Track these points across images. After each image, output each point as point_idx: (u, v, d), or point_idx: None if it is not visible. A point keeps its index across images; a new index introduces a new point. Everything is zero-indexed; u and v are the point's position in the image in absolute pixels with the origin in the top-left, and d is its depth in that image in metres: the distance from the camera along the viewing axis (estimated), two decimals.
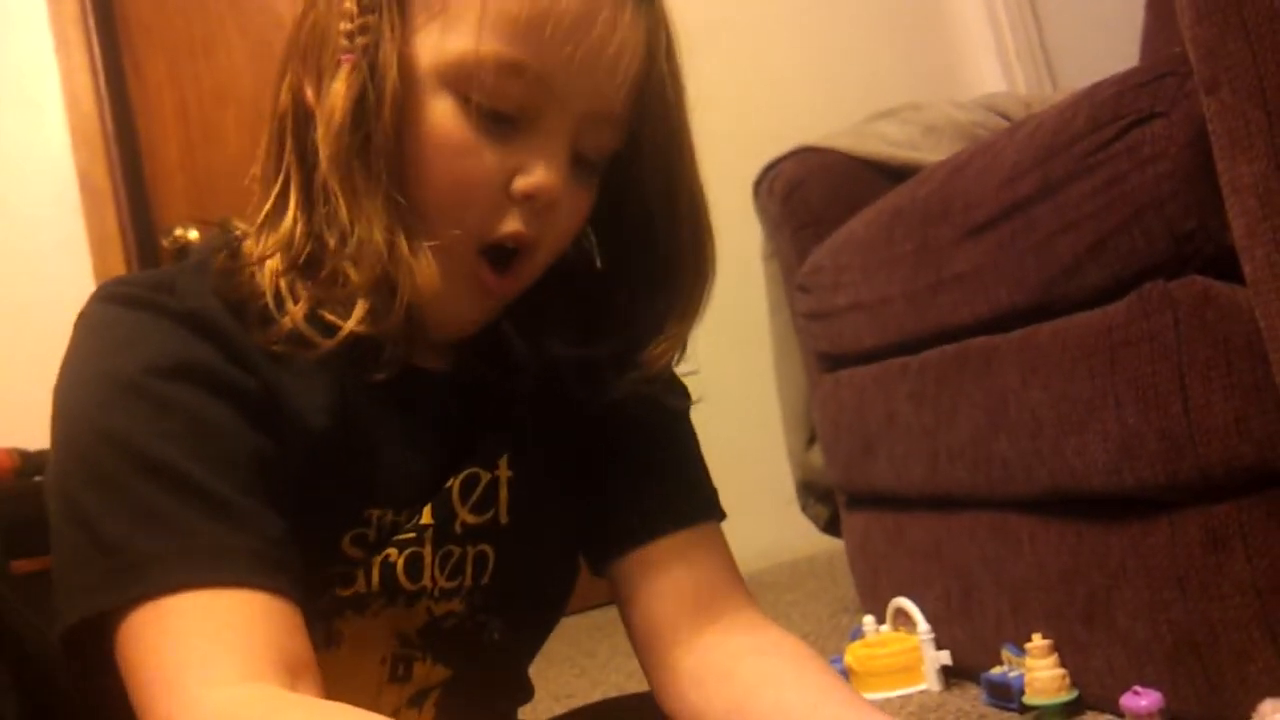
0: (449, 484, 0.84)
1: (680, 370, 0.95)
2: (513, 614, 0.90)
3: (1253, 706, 1.15)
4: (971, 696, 1.53)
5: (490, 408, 0.88)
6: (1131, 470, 1.23)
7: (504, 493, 0.87)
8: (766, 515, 2.94)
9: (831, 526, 2.17)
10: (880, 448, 1.72)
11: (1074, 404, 1.30)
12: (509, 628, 0.90)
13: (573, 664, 2.11)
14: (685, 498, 0.94)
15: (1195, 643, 1.20)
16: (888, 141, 2.10)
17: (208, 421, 0.74)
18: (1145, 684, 1.25)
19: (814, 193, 2.04)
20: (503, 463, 0.87)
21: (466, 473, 0.85)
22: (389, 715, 0.82)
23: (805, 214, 2.04)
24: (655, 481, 0.92)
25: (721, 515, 0.95)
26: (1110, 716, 1.33)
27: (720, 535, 0.95)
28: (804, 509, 2.29)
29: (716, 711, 0.85)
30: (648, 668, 0.92)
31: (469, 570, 0.86)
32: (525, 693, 1.02)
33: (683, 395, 0.98)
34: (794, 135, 2.18)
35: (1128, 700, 1.25)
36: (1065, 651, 1.36)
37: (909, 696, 1.60)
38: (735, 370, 3.11)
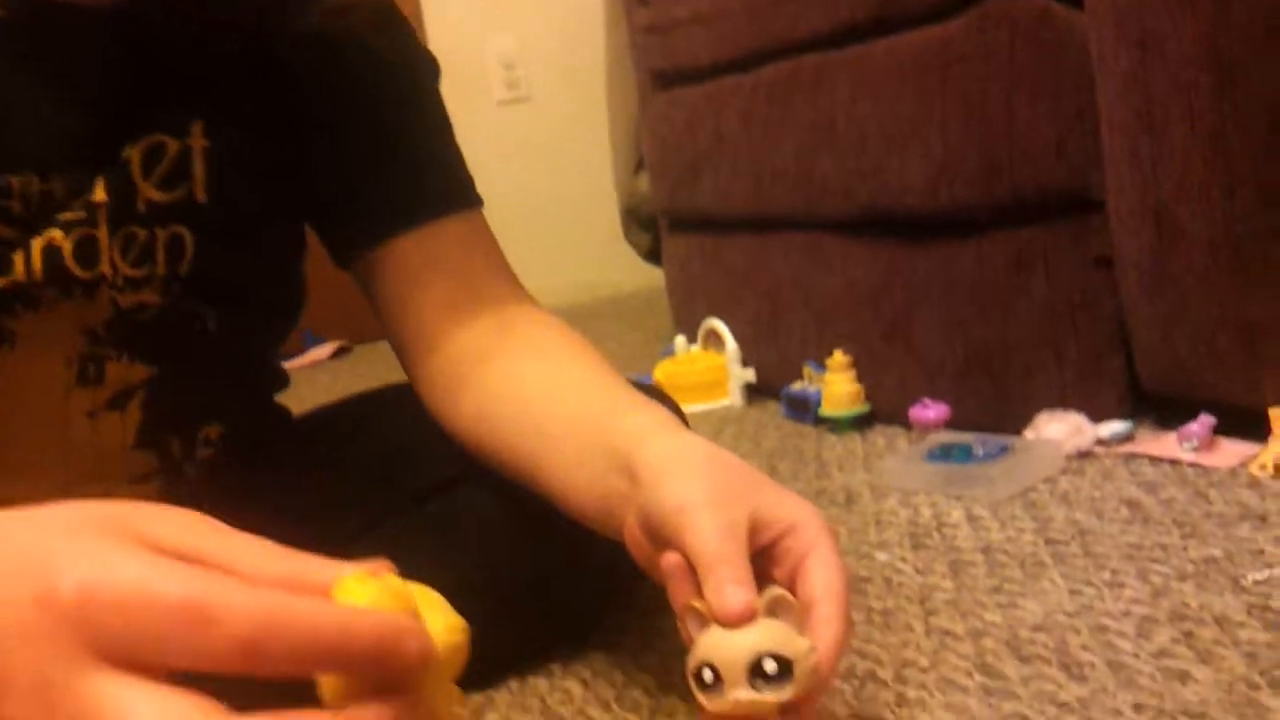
0: (126, 154, 0.73)
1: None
2: (231, 306, 0.81)
3: (1030, 419, 1.22)
4: (772, 411, 1.57)
5: (175, 60, 0.76)
6: (949, 190, 1.24)
7: (199, 166, 0.76)
8: (591, 249, 2.92)
9: (653, 255, 2.17)
10: (706, 169, 1.69)
11: (901, 122, 1.29)
12: (229, 319, 0.81)
13: None
14: (434, 184, 0.85)
15: (987, 359, 1.25)
16: None
17: None
18: (935, 398, 1.30)
19: None
20: (196, 130, 0.76)
21: (149, 140, 0.74)
22: (82, 419, 0.75)
23: None
24: (396, 165, 0.83)
25: (478, 202, 0.88)
26: (898, 428, 1.39)
27: (480, 224, 0.88)
28: (627, 236, 2.28)
29: (465, 418, 0.82)
30: (407, 368, 0.88)
31: (161, 257, 0.76)
32: (278, 381, 0.97)
33: (427, 67, 0.87)
34: None
35: (916, 412, 1.30)
36: (863, 368, 1.40)
37: (712, 410, 1.64)
38: (566, 101, 3.01)
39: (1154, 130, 1.09)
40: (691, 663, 0.58)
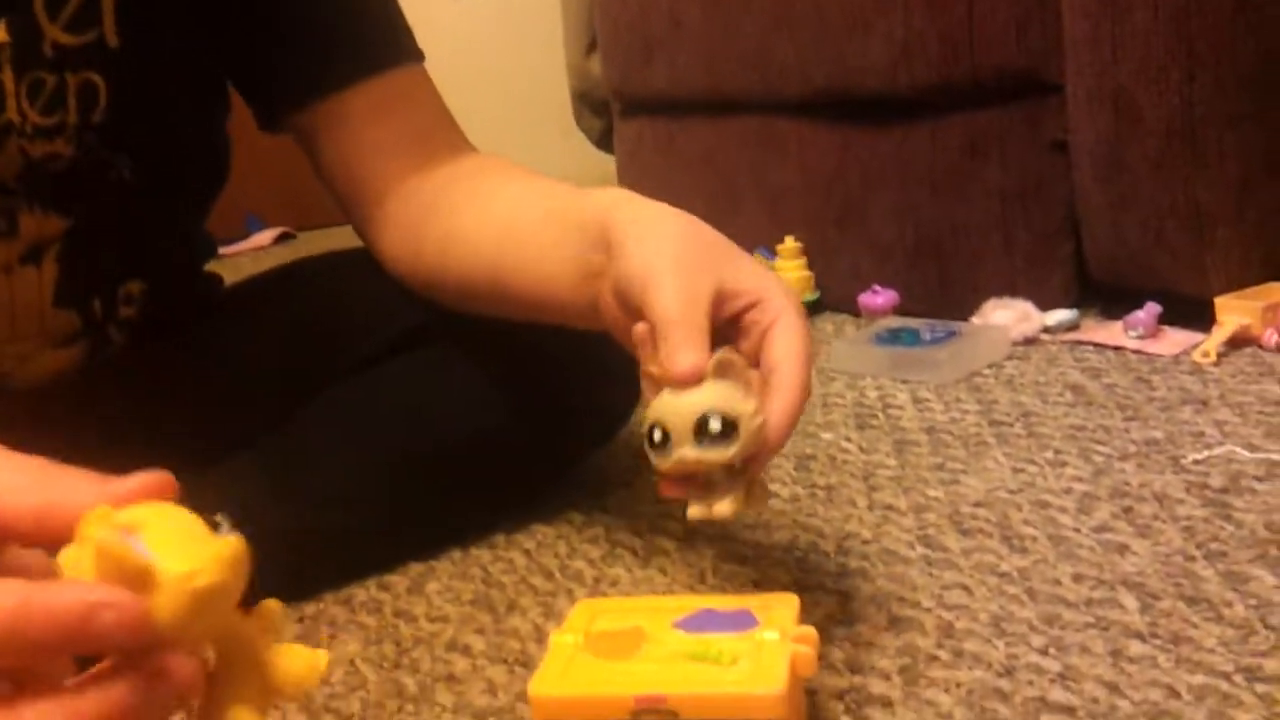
0: None
1: None
2: (147, 158, 0.77)
3: (979, 306, 1.22)
4: None
5: None
6: (908, 72, 1.22)
7: (108, 8, 0.72)
8: (541, 136, 2.86)
9: (604, 141, 2.13)
10: (660, 50, 1.65)
11: (863, 3, 1.26)
12: (145, 172, 0.77)
13: None
14: (378, 36, 0.83)
15: (937, 244, 1.24)
16: None
17: None
18: (884, 284, 1.29)
19: None
20: None
21: None
22: None
23: None
24: (328, 17, 0.80)
25: (420, 56, 0.85)
26: (847, 316, 1.38)
27: (423, 78, 0.85)
28: (578, 122, 2.23)
29: (430, 250, 0.80)
30: (355, 223, 0.86)
31: (72, 104, 0.72)
32: (204, 247, 0.93)
33: None
34: None
35: (865, 298, 1.30)
36: (815, 255, 1.39)
37: None
38: None
39: (1117, 13, 1.07)
40: (645, 424, 0.59)
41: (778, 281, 0.64)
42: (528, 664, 0.69)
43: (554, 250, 0.71)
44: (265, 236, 2.77)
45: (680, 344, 0.58)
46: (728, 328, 0.62)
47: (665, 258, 0.61)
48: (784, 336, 0.61)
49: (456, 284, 0.79)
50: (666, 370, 0.58)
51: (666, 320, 0.59)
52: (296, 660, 0.40)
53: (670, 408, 0.58)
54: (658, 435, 0.58)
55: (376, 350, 0.84)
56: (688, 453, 0.57)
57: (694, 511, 0.59)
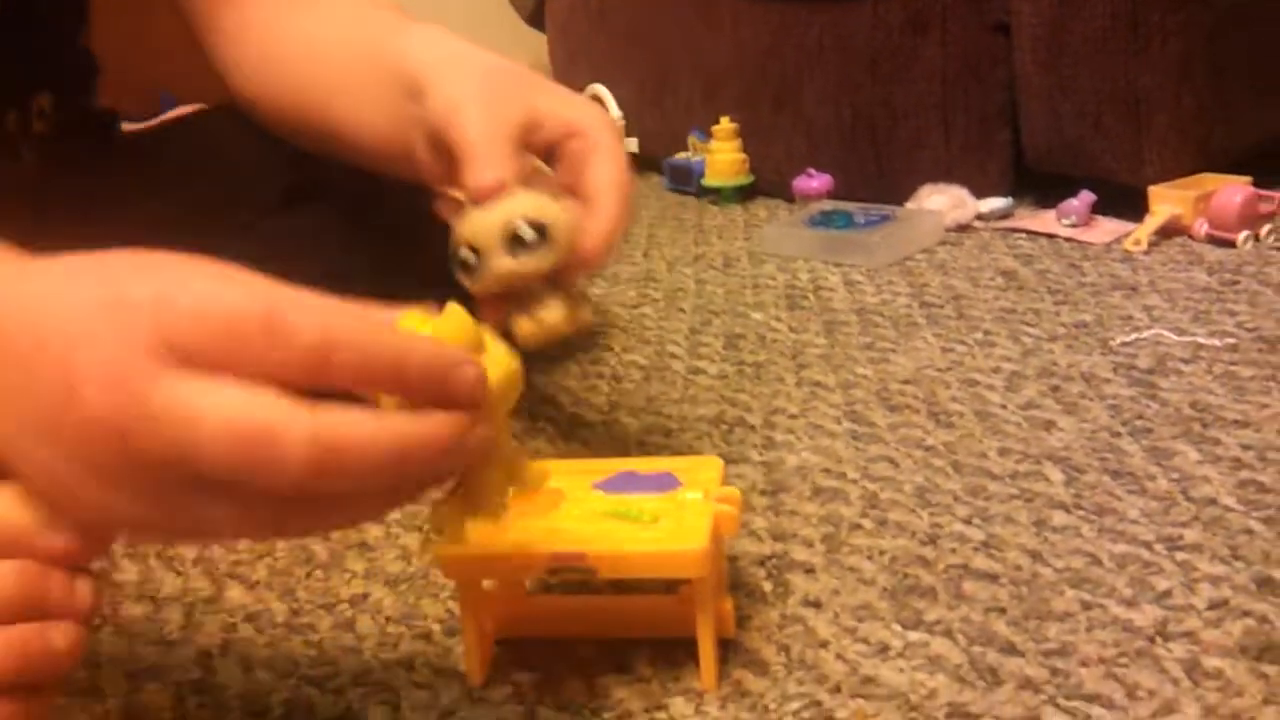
0: None
1: None
2: None
3: (913, 191, 1.20)
4: (654, 184, 1.53)
5: None
6: None
7: None
8: (469, 12, 2.76)
9: (536, 19, 2.05)
10: None
11: None
12: None
13: None
14: None
15: (874, 127, 1.21)
16: None
17: None
18: (820, 169, 1.27)
19: None
20: None
21: None
22: None
23: None
24: None
25: None
26: (781, 201, 1.36)
27: None
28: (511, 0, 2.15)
29: (249, 70, 0.76)
30: (199, 34, 0.81)
31: None
32: (91, 65, 0.88)
33: None
34: None
35: (800, 182, 1.27)
36: (749, 137, 1.35)
37: None
38: None
39: None
40: (451, 249, 0.56)
41: (597, 111, 0.62)
42: (444, 532, 0.67)
43: (367, 98, 0.68)
44: (179, 113, 2.66)
45: (483, 162, 0.55)
46: (546, 159, 0.60)
47: (470, 89, 0.59)
48: (602, 164, 0.59)
49: (280, 112, 0.76)
50: (469, 190, 0.55)
51: (469, 143, 0.56)
52: (531, 467, 0.47)
53: (477, 223, 0.55)
54: (467, 255, 0.55)
55: (273, 199, 0.81)
56: (501, 264, 0.54)
57: (524, 328, 0.56)
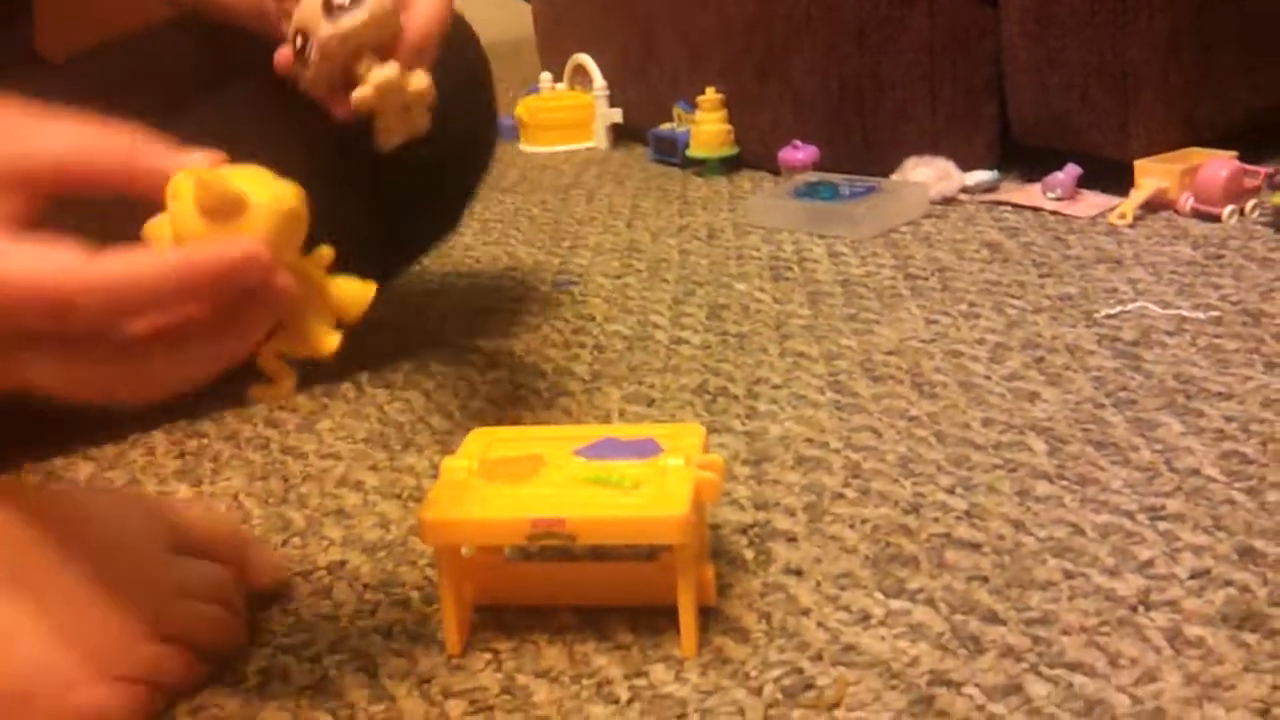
0: None
1: None
2: None
3: (899, 163, 1.19)
4: (638, 155, 1.51)
5: None
6: None
7: None
8: None
9: None
10: None
11: None
12: None
13: None
14: None
15: (861, 98, 1.21)
16: None
17: None
18: (805, 140, 1.26)
19: None
20: None
21: None
22: None
23: None
24: None
25: None
26: (766, 173, 1.35)
27: None
28: None
29: None
30: None
31: None
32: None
33: None
34: None
35: (785, 153, 1.26)
36: (735, 108, 1.34)
37: (575, 152, 1.57)
38: None
39: None
40: (286, 47, 0.61)
41: None
42: (423, 500, 0.66)
43: None
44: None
45: None
46: None
47: None
48: None
49: None
50: None
51: None
52: (351, 289, 0.48)
53: (303, 8, 0.59)
54: (299, 41, 0.59)
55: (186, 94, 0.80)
56: (322, 31, 0.58)
57: (359, 95, 0.60)
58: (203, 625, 0.51)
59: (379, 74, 0.59)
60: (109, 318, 0.41)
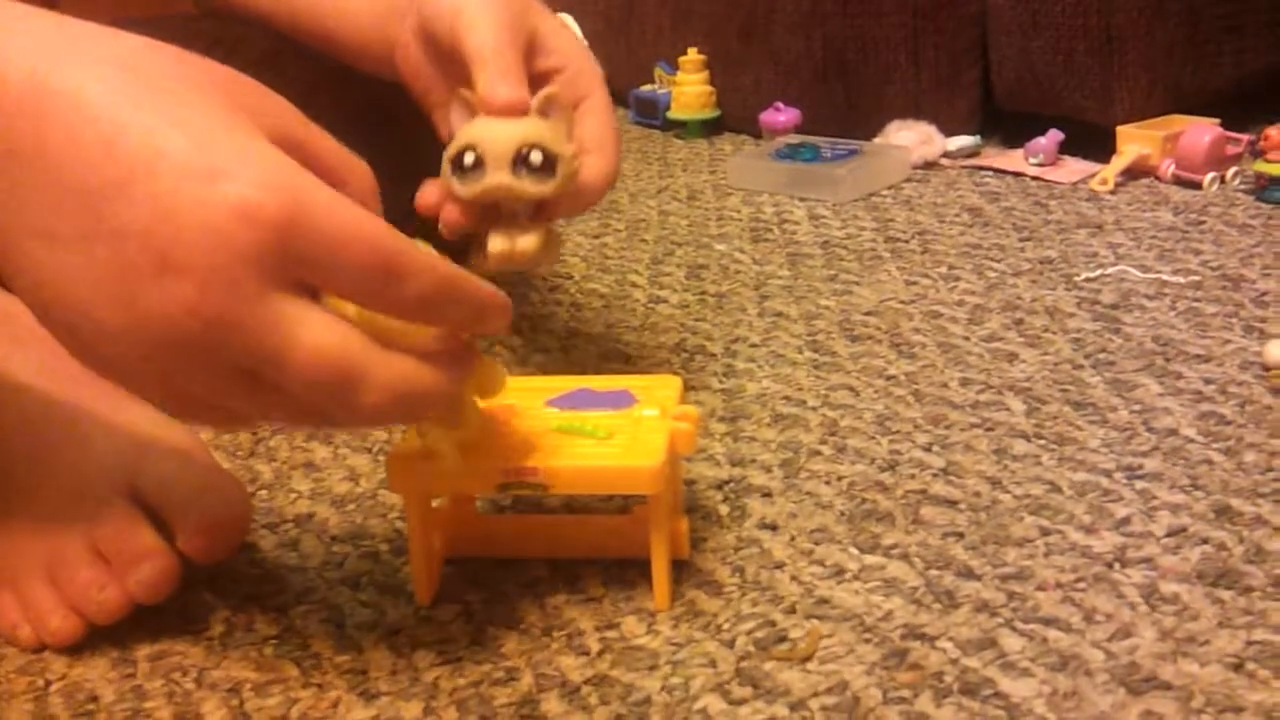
0: None
1: None
2: None
3: (881, 128, 1.18)
4: (619, 116, 1.49)
5: None
6: None
7: None
8: None
9: None
10: None
11: None
12: None
13: None
14: None
15: (844, 61, 1.19)
16: None
17: None
18: (788, 102, 1.25)
19: None
20: None
21: None
22: None
23: None
24: None
25: None
26: (747, 137, 1.33)
27: None
28: None
29: None
30: None
31: None
32: None
33: None
34: None
35: (767, 116, 1.25)
36: (717, 70, 1.33)
37: None
38: None
39: None
40: (452, 148, 0.55)
41: (588, 54, 0.61)
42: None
43: None
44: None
45: (502, 73, 0.54)
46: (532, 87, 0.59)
47: None
48: (596, 114, 0.59)
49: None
50: (486, 98, 0.54)
51: (484, 49, 0.55)
52: (491, 370, 0.48)
53: (489, 133, 0.53)
54: (469, 159, 0.54)
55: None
56: (502, 179, 0.53)
57: (496, 245, 0.56)
58: None
59: (525, 244, 0.56)
60: (425, 305, 0.39)
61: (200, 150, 0.36)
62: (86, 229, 0.36)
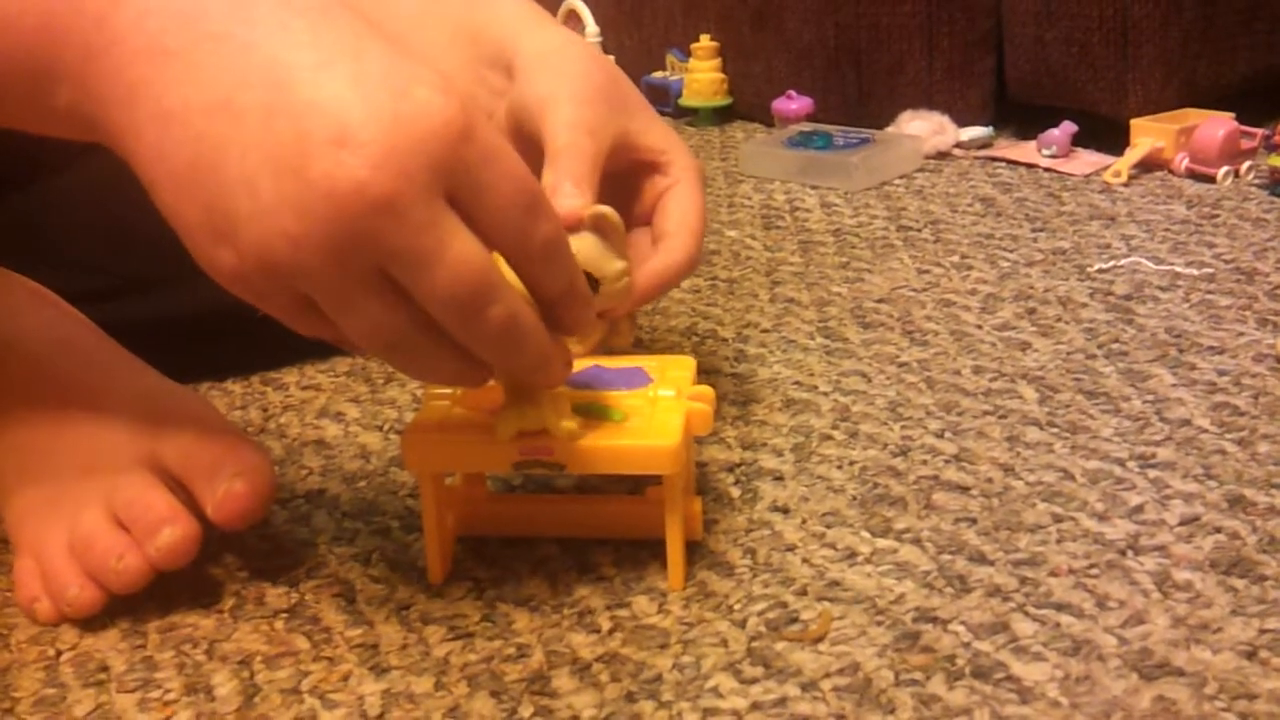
0: None
1: None
2: None
3: (894, 117, 1.18)
4: None
5: None
6: None
7: None
8: None
9: None
10: None
11: None
12: None
13: None
14: None
15: (857, 50, 1.19)
16: None
17: None
18: (800, 90, 1.24)
19: None
20: None
21: None
22: None
23: None
24: None
25: None
26: (759, 125, 1.33)
27: None
28: None
29: None
30: None
31: None
32: None
33: None
34: None
35: (779, 104, 1.25)
36: (729, 57, 1.32)
37: None
38: None
39: None
40: None
41: (683, 145, 0.59)
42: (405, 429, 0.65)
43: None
44: None
45: (565, 174, 0.52)
46: (623, 187, 0.58)
47: (570, 86, 0.55)
48: (680, 202, 0.58)
49: None
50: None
51: (558, 145, 0.53)
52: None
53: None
54: None
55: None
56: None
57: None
58: None
59: (578, 347, 0.52)
60: (548, 251, 0.43)
61: (398, 57, 0.39)
62: (272, 103, 0.38)
